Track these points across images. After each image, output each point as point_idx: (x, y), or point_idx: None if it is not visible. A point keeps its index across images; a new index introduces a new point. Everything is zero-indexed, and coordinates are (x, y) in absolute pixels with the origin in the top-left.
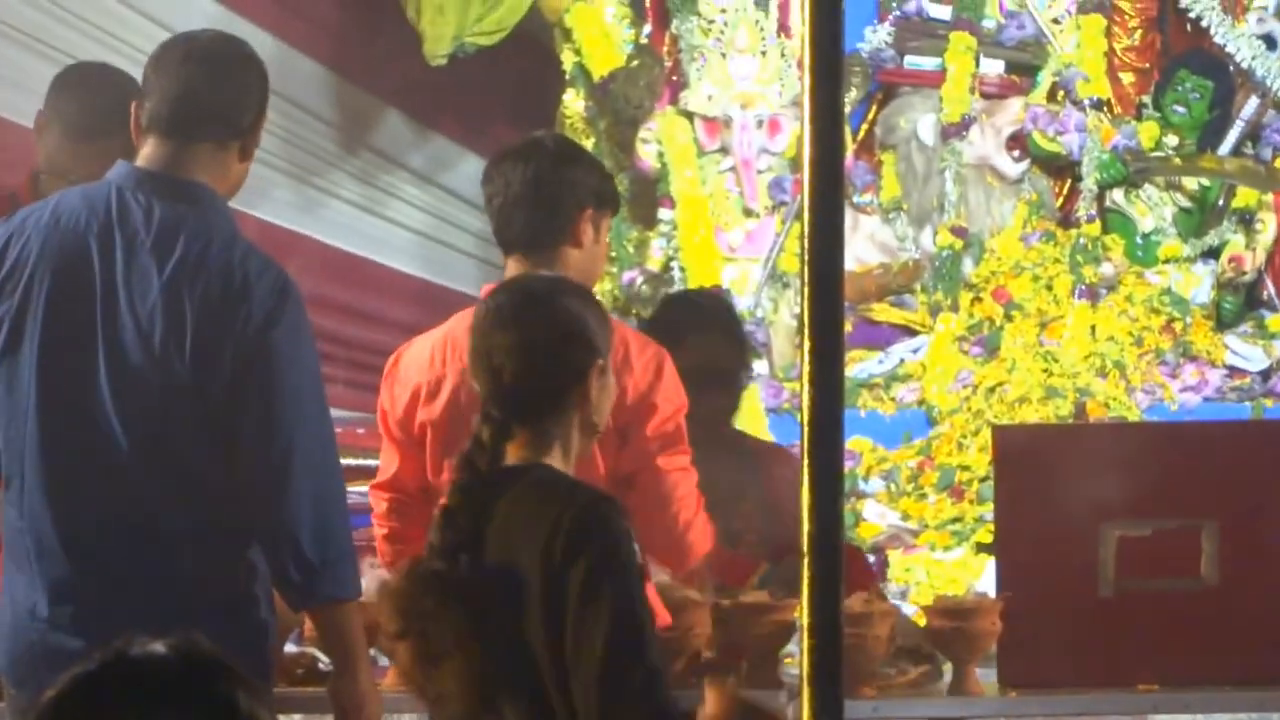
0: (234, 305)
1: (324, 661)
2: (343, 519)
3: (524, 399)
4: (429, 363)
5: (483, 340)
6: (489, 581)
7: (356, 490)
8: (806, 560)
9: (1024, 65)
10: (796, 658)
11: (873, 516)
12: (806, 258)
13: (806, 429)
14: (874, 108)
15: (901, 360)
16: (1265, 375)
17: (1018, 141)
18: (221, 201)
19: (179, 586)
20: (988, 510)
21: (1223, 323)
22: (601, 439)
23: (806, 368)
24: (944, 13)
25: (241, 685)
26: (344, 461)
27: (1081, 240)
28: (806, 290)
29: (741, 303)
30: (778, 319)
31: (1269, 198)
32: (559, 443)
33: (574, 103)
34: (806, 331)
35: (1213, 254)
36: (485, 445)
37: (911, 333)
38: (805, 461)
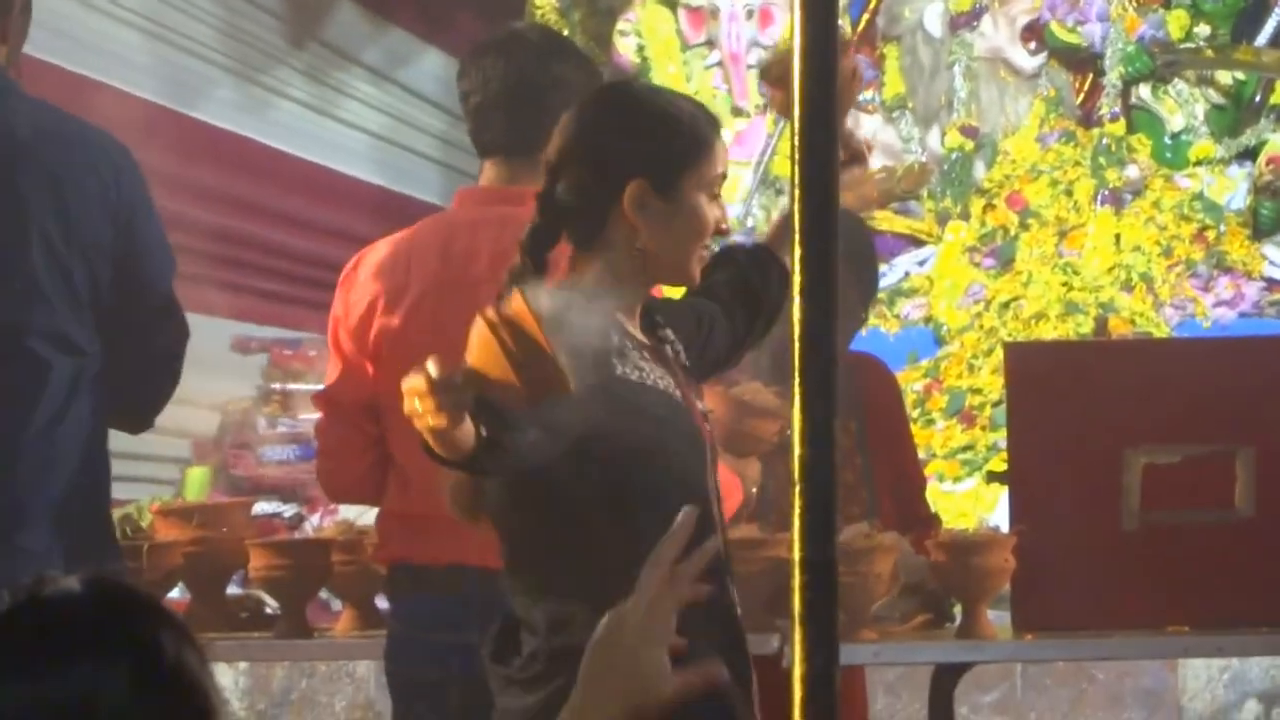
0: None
1: (270, 605)
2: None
3: None
4: (391, 269)
5: None
6: None
7: (309, 418)
8: (798, 489)
9: None
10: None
11: None
12: (796, 158)
13: (798, 345)
14: None
15: (906, 273)
16: None
17: (1034, 32)
18: None
19: None
20: (1001, 437)
21: (1260, 230)
22: None
23: (798, 279)
24: None
25: (166, 626)
26: (291, 386)
27: (1104, 141)
28: (797, 194)
29: (730, 211)
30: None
31: None
32: None
33: None
34: (797, 239)
35: (1249, 155)
36: None
37: (918, 243)
38: (796, 380)
